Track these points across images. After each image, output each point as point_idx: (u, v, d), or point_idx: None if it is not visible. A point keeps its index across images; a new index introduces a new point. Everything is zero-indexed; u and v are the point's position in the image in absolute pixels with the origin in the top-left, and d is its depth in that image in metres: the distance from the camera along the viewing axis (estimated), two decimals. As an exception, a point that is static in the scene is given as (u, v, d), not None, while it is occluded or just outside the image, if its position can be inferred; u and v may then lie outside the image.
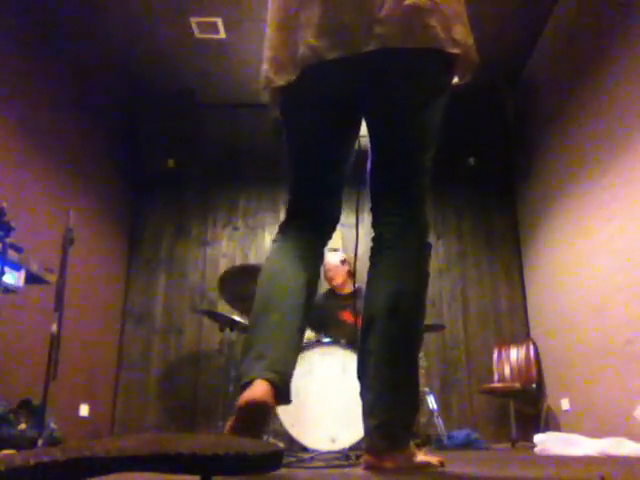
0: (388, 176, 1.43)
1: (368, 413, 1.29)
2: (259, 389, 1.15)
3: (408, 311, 1.33)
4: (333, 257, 3.82)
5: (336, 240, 5.49)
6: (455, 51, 1.32)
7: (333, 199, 1.50)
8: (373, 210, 1.46)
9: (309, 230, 1.45)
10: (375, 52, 1.27)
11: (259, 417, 1.14)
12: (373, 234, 1.44)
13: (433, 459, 1.28)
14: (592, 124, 3.67)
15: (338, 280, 3.78)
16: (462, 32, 1.35)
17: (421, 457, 1.26)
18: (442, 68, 1.36)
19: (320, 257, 1.47)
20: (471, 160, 5.17)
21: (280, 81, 1.36)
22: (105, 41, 4.38)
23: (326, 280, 3.82)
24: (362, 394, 1.33)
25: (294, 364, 1.29)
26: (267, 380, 1.17)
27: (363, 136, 1.53)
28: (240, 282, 3.63)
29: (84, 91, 4.41)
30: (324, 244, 1.50)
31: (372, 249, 1.44)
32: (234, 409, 1.18)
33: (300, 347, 1.36)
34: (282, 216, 1.52)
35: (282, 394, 1.20)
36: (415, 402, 1.32)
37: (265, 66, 1.41)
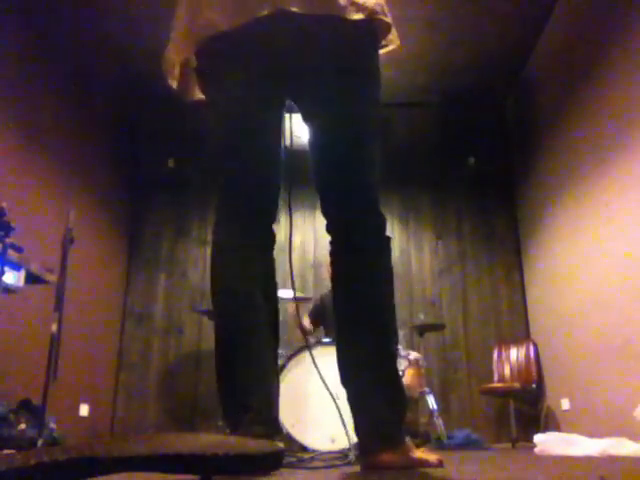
0: (326, 162, 1.31)
1: (356, 416, 1.27)
2: None
3: (378, 310, 1.29)
4: None
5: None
6: (357, 17, 1.20)
7: (265, 183, 1.35)
8: (324, 212, 1.34)
9: (249, 222, 1.31)
10: (271, 17, 1.18)
11: None
12: (330, 238, 1.35)
13: (431, 457, 1.24)
14: (592, 124, 3.67)
15: None
16: None
17: (419, 454, 1.23)
18: (350, 37, 1.24)
19: (271, 248, 1.36)
20: (471, 160, 5.18)
21: (179, 58, 1.31)
22: (105, 41, 4.38)
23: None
24: (348, 398, 1.31)
25: (277, 395, 1.27)
26: (256, 434, 1.14)
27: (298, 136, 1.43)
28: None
29: (84, 91, 4.41)
30: (269, 226, 1.37)
31: (331, 254, 1.35)
32: None
33: (277, 370, 1.31)
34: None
35: (274, 437, 1.19)
36: (400, 398, 1.27)
37: (169, 43, 1.35)
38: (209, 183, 5.24)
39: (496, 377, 4.46)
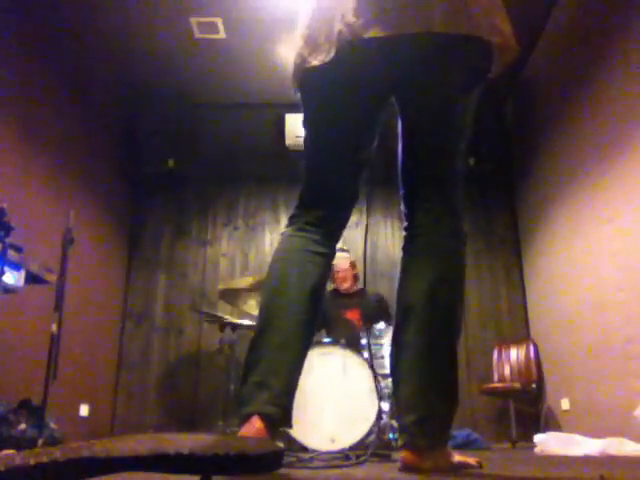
0: (422, 163, 1.37)
1: (405, 409, 1.23)
2: (253, 429, 1.14)
3: (448, 300, 1.27)
4: (343, 262, 3.87)
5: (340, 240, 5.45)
6: (495, 39, 1.30)
7: (350, 191, 1.42)
8: (405, 198, 1.39)
9: (321, 224, 1.38)
10: (416, 35, 1.24)
11: None
12: (406, 223, 1.38)
13: (471, 460, 1.23)
14: (592, 124, 3.67)
15: (347, 283, 3.84)
16: (502, 21, 1.34)
17: (459, 457, 1.22)
18: (482, 56, 1.32)
19: (330, 256, 1.41)
20: (471, 160, 5.17)
21: (315, 61, 1.31)
22: (105, 41, 4.38)
23: (335, 281, 3.87)
24: (396, 389, 1.28)
25: (296, 387, 1.27)
26: (267, 415, 1.15)
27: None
28: (241, 293, 3.69)
29: (84, 91, 4.41)
30: (336, 240, 1.43)
31: (406, 237, 1.38)
32: (237, 424, 1.18)
33: (303, 365, 1.31)
34: (282, 216, 1.49)
35: (283, 424, 1.20)
36: (456, 397, 1.25)
37: (299, 43, 1.35)
38: (210, 183, 5.24)
39: (496, 377, 4.46)
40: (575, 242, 3.91)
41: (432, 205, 1.33)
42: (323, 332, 3.94)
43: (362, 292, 3.89)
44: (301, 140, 1.46)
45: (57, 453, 0.64)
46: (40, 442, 2.33)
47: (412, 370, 1.24)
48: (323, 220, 1.38)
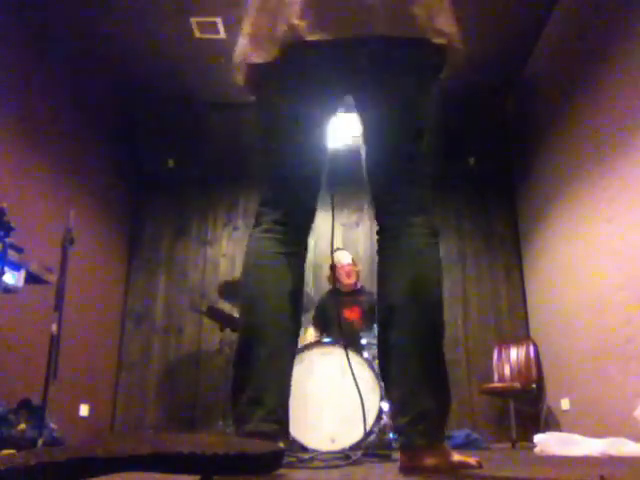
0: (385, 165, 1.37)
1: (398, 410, 1.23)
2: None
3: (428, 298, 1.28)
4: (346, 257, 3.87)
5: (336, 240, 5.48)
6: (439, 41, 1.29)
7: (312, 183, 1.39)
8: (375, 202, 1.40)
9: (289, 222, 1.35)
10: (358, 38, 1.25)
11: None
12: (378, 227, 1.39)
13: (470, 459, 1.22)
14: (592, 124, 3.67)
15: (352, 279, 3.83)
16: (445, 21, 1.32)
17: (458, 457, 1.21)
18: (428, 58, 1.33)
19: (303, 254, 1.39)
20: (471, 160, 5.18)
21: (257, 59, 1.32)
22: (105, 41, 4.38)
23: (339, 279, 3.83)
24: (388, 392, 1.28)
25: (289, 397, 1.26)
26: (265, 433, 1.15)
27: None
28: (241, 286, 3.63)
29: (84, 91, 4.41)
30: (306, 235, 1.41)
31: (379, 241, 1.38)
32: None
33: (292, 372, 1.31)
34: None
35: (281, 437, 1.19)
36: (447, 394, 1.25)
37: (243, 41, 1.37)
38: (210, 183, 5.24)
39: (496, 377, 4.46)
40: (575, 242, 3.91)
41: (401, 206, 1.34)
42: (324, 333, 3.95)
43: (362, 290, 3.89)
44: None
45: (57, 453, 0.64)
46: (40, 442, 2.33)
47: (401, 371, 1.25)
48: (290, 216, 1.36)
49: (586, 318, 3.70)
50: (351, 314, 3.71)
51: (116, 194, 4.90)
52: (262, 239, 1.35)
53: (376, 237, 1.40)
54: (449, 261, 4.98)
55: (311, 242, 1.47)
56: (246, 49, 1.35)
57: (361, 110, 1.40)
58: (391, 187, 1.36)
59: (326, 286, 4.38)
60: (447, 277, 4.93)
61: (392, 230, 1.35)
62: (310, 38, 1.25)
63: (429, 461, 1.16)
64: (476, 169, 5.16)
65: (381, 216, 1.38)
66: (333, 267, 3.03)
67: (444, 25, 1.31)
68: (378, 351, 1.34)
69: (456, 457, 1.20)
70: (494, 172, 5.19)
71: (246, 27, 1.38)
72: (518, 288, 4.90)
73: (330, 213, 1.58)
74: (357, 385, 1.62)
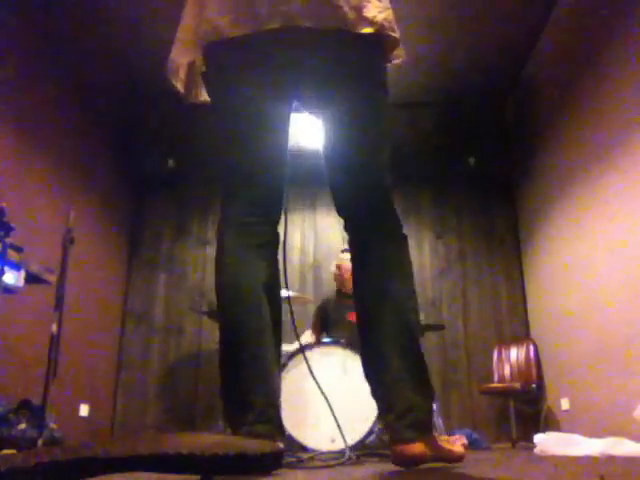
0: (341, 173, 1.35)
1: (384, 408, 1.28)
2: None
3: (400, 299, 1.31)
4: (348, 262, 3.82)
5: (335, 241, 5.47)
6: (366, 30, 1.23)
7: (273, 178, 1.36)
8: (340, 213, 1.40)
9: (255, 211, 1.33)
10: (280, 30, 1.21)
11: None
12: (348, 237, 1.40)
13: (456, 447, 1.27)
14: (592, 124, 3.67)
15: (351, 285, 3.80)
16: (374, 9, 1.26)
17: (445, 444, 1.26)
18: (358, 50, 1.27)
19: (274, 243, 1.38)
20: (471, 160, 5.18)
21: (182, 61, 1.34)
22: (105, 41, 4.38)
23: (343, 281, 3.80)
24: (374, 392, 1.32)
25: (279, 395, 1.27)
26: (259, 435, 1.15)
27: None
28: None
29: (84, 91, 4.41)
30: (275, 222, 1.38)
31: (351, 251, 1.40)
32: None
33: (279, 370, 1.32)
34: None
35: (276, 436, 1.20)
36: (427, 387, 1.30)
37: (172, 47, 1.38)
38: (210, 183, 5.24)
39: (496, 377, 4.46)
40: (575, 242, 3.91)
41: (366, 217, 1.34)
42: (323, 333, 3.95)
43: None
44: (300, 141, 1.46)
45: (57, 453, 0.65)
46: (40, 442, 2.33)
47: (382, 371, 1.29)
48: (255, 208, 1.33)
49: (586, 318, 3.70)
50: (355, 316, 3.70)
51: (116, 194, 4.90)
52: (230, 234, 1.33)
53: (348, 247, 1.42)
54: (449, 261, 4.98)
55: (311, 242, 1.47)
56: (174, 53, 1.36)
57: (307, 110, 1.39)
58: (353, 197, 1.35)
59: (326, 288, 4.38)
60: (447, 277, 4.93)
61: (360, 239, 1.37)
62: (231, 35, 1.23)
63: (418, 448, 1.20)
64: (476, 169, 5.16)
65: (348, 227, 1.40)
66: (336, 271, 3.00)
67: (372, 14, 1.25)
68: (360, 354, 1.37)
69: (444, 443, 1.26)
70: (494, 172, 5.19)
71: (178, 31, 1.39)
72: (518, 288, 4.90)
73: (327, 214, 1.60)
74: (320, 388, 1.65)
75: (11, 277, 2.43)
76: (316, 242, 4.90)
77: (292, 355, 3.02)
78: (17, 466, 0.62)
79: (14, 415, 2.63)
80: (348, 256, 4.16)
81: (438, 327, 4.32)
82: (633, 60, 3.17)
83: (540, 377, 4.38)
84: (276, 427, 1.23)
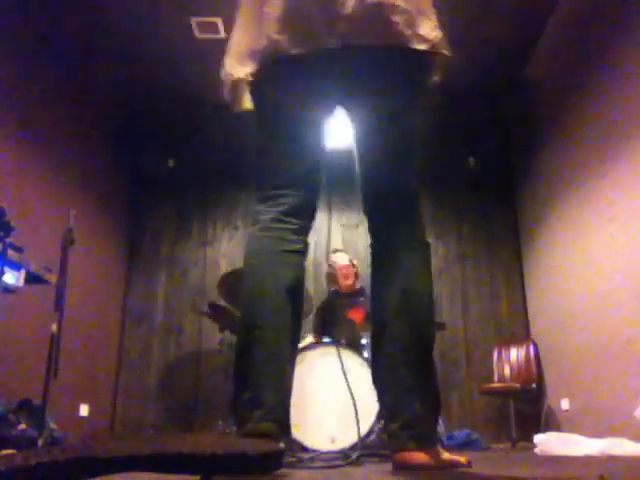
0: (376, 180, 1.39)
1: (390, 416, 1.28)
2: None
3: (419, 311, 1.32)
4: (343, 259, 3.86)
5: (336, 241, 5.48)
6: (421, 47, 1.29)
7: (311, 187, 1.41)
8: (368, 214, 1.42)
9: (288, 220, 1.36)
10: (338, 49, 1.26)
11: None
12: (371, 240, 1.41)
13: (461, 458, 1.27)
14: (592, 124, 3.67)
15: (350, 280, 3.82)
16: (428, 27, 1.32)
17: (448, 455, 1.26)
18: (411, 66, 1.33)
19: (303, 251, 1.39)
20: (471, 160, 5.18)
21: (239, 74, 1.35)
22: (105, 41, 4.38)
23: (337, 281, 3.84)
24: (380, 399, 1.33)
25: (289, 395, 1.28)
26: (265, 432, 1.16)
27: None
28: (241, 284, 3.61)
29: (84, 91, 4.42)
30: (306, 233, 1.41)
31: (373, 254, 1.41)
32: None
33: (293, 371, 1.32)
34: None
35: (281, 437, 1.21)
36: (437, 400, 1.30)
37: (226, 59, 1.40)
38: (209, 183, 5.24)
39: (496, 377, 4.46)
40: (575, 242, 3.91)
41: (394, 221, 1.36)
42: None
43: (363, 290, 3.89)
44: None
45: (57, 453, 0.64)
46: (40, 442, 2.32)
47: (391, 379, 1.29)
48: (290, 215, 1.35)
49: (586, 318, 3.70)
50: (355, 314, 3.71)
51: (116, 194, 4.90)
52: (262, 237, 1.36)
53: (370, 250, 1.42)
54: (449, 261, 4.98)
55: (312, 242, 1.47)
56: (229, 66, 1.39)
57: (350, 120, 1.42)
58: (384, 203, 1.38)
59: (325, 285, 4.36)
60: (447, 277, 4.93)
61: (385, 244, 1.37)
62: (290, 52, 1.28)
63: (420, 459, 1.21)
64: (476, 169, 5.16)
65: (374, 229, 1.41)
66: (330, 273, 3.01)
67: (426, 31, 1.31)
68: (371, 360, 1.38)
69: (446, 455, 1.25)
70: (494, 172, 5.19)
71: (231, 45, 1.42)
72: (518, 288, 4.90)
73: (327, 214, 1.61)
74: (350, 390, 1.65)
75: (11, 277, 2.43)
76: (316, 242, 4.90)
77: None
78: (17, 466, 0.62)
79: (14, 415, 2.63)
80: (340, 255, 4.15)
81: (438, 327, 4.31)
82: (633, 60, 3.17)
83: (540, 377, 4.38)
84: (283, 428, 1.23)
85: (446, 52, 1.35)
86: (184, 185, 5.23)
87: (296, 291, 1.34)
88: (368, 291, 4.08)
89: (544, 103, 4.54)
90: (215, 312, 3.89)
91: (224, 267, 4.98)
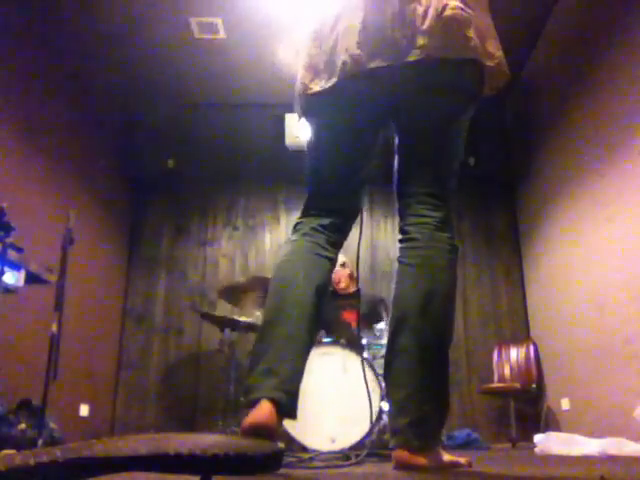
0: (417, 180, 1.44)
1: (399, 411, 1.29)
2: (264, 412, 1.17)
3: (440, 311, 1.33)
4: (338, 266, 3.86)
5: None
6: (490, 63, 1.36)
7: (351, 204, 1.51)
8: (401, 211, 1.46)
9: (324, 232, 1.44)
10: (417, 62, 1.30)
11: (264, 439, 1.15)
12: (401, 235, 1.45)
13: (461, 459, 1.28)
14: (592, 124, 3.67)
15: (342, 284, 3.85)
16: (495, 45, 1.40)
17: (449, 457, 1.27)
18: (475, 79, 1.40)
19: (333, 261, 1.46)
20: (471, 160, 5.17)
21: (316, 87, 1.39)
22: (105, 41, 4.38)
23: (334, 283, 3.89)
24: (390, 393, 1.33)
25: (301, 378, 1.30)
26: (275, 400, 1.18)
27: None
28: (242, 290, 3.70)
29: (84, 91, 4.42)
30: (338, 248, 1.49)
31: (401, 249, 1.43)
32: (237, 424, 1.19)
33: (307, 359, 1.35)
34: (282, 216, 1.50)
35: (289, 412, 1.23)
36: (447, 401, 1.32)
37: (301, 72, 1.45)
38: (209, 183, 5.24)
39: (496, 377, 4.46)
40: (575, 242, 3.91)
41: (426, 220, 1.39)
42: (322, 332, 3.96)
43: (358, 293, 3.89)
44: (300, 140, 1.49)
45: (57, 453, 0.64)
46: (40, 442, 2.32)
47: (405, 376, 1.30)
48: (326, 228, 1.44)
49: (586, 318, 3.70)
50: (349, 315, 3.72)
51: (116, 194, 4.90)
52: (299, 241, 1.43)
53: (398, 244, 1.45)
54: (449, 261, 4.98)
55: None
56: (305, 80, 1.43)
57: (400, 127, 1.47)
58: (419, 202, 1.42)
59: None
60: (447, 277, 4.92)
61: (415, 242, 1.40)
62: (370, 66, 1.32)
63: (421, 460, 1.22)
64: (476, 169, 5.16)
65: (406, 227, 1.44)
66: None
67: (494, 49, 1.38)
68: (386, 353, 1.38)
69: (447, 457, 1.27)
70: (494, 172, 5.19)
71: (303, 58, 1.46)
72: (518, 288, 4.90)
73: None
74: (368, 389, 1.67)
75: (11, 277, 2.43)
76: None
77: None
78: (17, 466, 0.62)
79: (14, 415, 2.63)
80: (342, 258, 4.14)
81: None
82: (634, 60, 3.17)
83: (540, 377, 4.38)
84: (293, 402, 1.25)
85: (507, 71, 1.43)
86: (184, 185, 5.23)
87: (322, 289, 1.39)
88: (364, 291, 4.09)
89: (544, 102, 4.54)
90: (211, 319, 3.91)
91: (224, 267, 4.98)
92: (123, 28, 4.31)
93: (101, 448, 0.67)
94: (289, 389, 1.23)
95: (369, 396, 1.71)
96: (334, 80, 1.36)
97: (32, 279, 2.63)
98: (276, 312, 1.33)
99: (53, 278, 2.67)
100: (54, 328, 2.45)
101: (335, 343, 3.07)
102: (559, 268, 4.18)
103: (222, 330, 3.76)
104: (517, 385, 4.20)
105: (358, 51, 1.33)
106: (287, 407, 1.21)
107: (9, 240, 2.31)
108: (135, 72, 4.81)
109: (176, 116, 5.24)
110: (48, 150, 3.84)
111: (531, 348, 4.45)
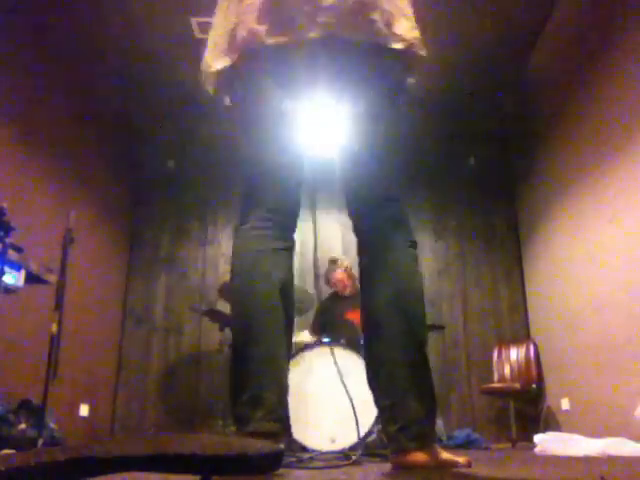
0: (357, 183, 1.39)
1: (388, 419, 1.27)
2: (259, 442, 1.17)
3: (413, 310, 1.31)
4: (339, 272, 3.87)
5: (335, 241, 5.46)
6: (397, 46, 1.29)
7: (293, 184, 1.42)
8: (351, 215, 1.42)
9: (273, 217, 1.36)
10: (318, 40, 1.26)
11: None
12: (358, 242, 1.41)
13: (460, 458, 1.27)
14: (592, 124, 3.67)
15: (348, 289, 3.86)
16: (405, 27, 1.32)
17: (447, 455, 1.26)
18: (387, 65, 1.33)
19: (291, 248, 1.40)
20: (471, 160, 5.18)
21: (217, 65, 1.36)
22: (105, 41, 4.38)
23: (333, 287, 3.92)
24: (377, 401, 1.32)
25: (287, 392, 1.28)
26: (267, 432, 1.17)
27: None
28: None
29: (84, 91, 4.41)
30: (292, 230, 1.43)
31: (360, 256, 1.40)
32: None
33: (288, 368, 1.32)
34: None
35: (282, 436, 1.22)
36: (433, 398, 1.30)
37: (205, 52, 1.41)
38: (209, 183, 5.24)
39: (496, 377, 4.46)
40: (575, 242, 3.91)
41: (379, 223, 1.35)
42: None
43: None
44: (300, 142, 1.47)
45: (57, 453, 0.64)
46: (40, 442, 2.32)
47: (387, 381, 1.28)
48: (275, 213, 1.37)
49: (586, 318, 3.70)
50: (353, 315, 3.72)
51: (116, 194, 4.90)
52: (249, 237, 1.37)
53: (357, 251, 1.41)
54: (449, 261, 4.98)
55: (310, 243, 1.48)
56: (208, 57, 1.39)
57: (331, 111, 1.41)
58: (367, 205, 1.38)
59: (325, 288, 4.37)
60: (447, 277, 4.93)
61: (372, 245, 1.37)
62: (269, 42, 1.28)
63: (419, 457, 1.21)
64: (476, 169, 5.16)
65: (359, 231, 1.40)
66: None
67: (404, 31, 1.31)
68: (365, 362, 1.36)
69: (445, 455, 1.25)
70: (494, 172, 5.19)
71: (210, 37, 1.42)
72: (518, 288, 4.90)
73: (326, 214, 1.60)
74: (347, 391, 1.64)
75: (11, 277, 2.43)
76: (316, 242, 4.90)
77: (291, 356, 3.02)
78: (17, 466, 0.62)
79: (14, 415, 2.63)
80: (338, 269, 4.16)
81: (438, 328, 4.32)
82: (634, 60, 3.17)
83: (540, 377, 4.38)
84: (284, 426, 1.24)
85: (422, 52, 1.35)
86: (184, 185, 5.23)
87: (286, 288, 1.34)
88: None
89: (544, 102, 4.54)
90: (213, 316, 3.90)
91: (224, 267, 4.98)
92: (123, 28, 4.31)
93: (101, 448, 0.67)
94: (278, 416, 1.21)
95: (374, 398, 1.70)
96: (234, 57, 1.32)
97: (32, 279, 2.63)
98: (246, 332, 1.28)
99: (53, 278, 2.67)
100: (54, 328, 2.45)
101: (335, 343, 3.07)
102: (559, 268, 4.18)
103: (222, 330, 3.77)
104: (517, 385, 4.20)
105: (257, 26, 1.28)
106: (280, 434, 1.20)
107: (9, 240, 2.31)
108: (135, 72, 4.81)
109: (176, 116, 5.23)
110: (48, 150, 3.84)
111: (531, 348, 4.45)
